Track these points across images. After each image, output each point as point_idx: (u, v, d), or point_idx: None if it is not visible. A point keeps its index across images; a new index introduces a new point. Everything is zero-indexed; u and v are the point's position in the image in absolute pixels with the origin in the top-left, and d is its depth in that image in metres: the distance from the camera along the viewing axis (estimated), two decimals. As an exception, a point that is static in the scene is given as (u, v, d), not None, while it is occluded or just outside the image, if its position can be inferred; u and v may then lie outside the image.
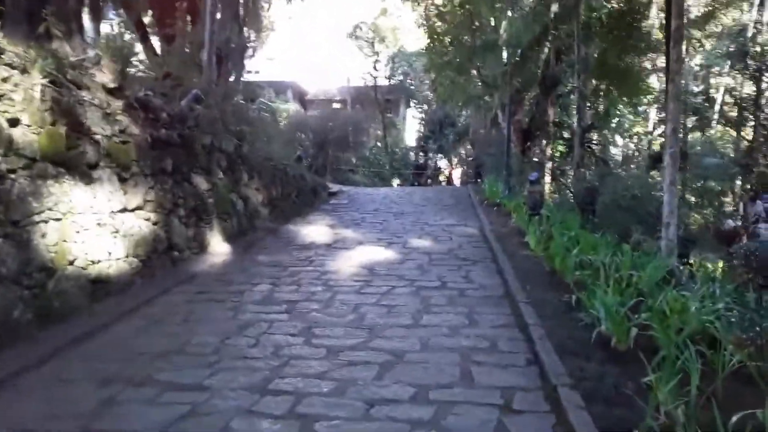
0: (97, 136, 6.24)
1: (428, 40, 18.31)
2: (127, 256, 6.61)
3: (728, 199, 20.33)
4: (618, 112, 22.72)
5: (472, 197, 16.51)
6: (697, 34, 19.35)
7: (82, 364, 4.25)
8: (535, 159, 15.87)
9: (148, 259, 7.09)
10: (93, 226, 5.95)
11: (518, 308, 5.42)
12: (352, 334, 4.93)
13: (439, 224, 11.56)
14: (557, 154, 18.20)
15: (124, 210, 6.76)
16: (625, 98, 16.24)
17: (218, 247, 9.02)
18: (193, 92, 10.00)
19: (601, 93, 16.27)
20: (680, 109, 7.54)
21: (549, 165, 17.67)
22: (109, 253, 6.27)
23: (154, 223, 7.42)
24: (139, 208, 7.10)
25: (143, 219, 7.19)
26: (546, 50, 16.15)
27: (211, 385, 3.88)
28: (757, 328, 3.97)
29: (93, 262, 5.87)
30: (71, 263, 5.50)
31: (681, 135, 24.35)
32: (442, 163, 44.14)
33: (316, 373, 4.07)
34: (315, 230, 10.98)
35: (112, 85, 7.18)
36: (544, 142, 18.08)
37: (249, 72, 38.30)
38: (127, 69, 7.79)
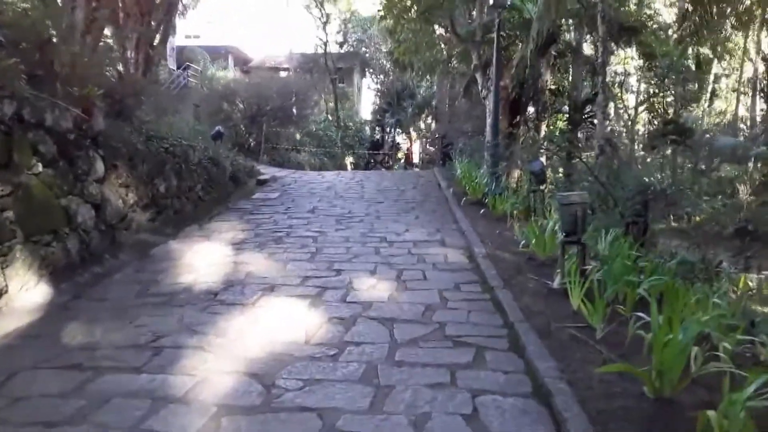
0: None
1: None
2: None
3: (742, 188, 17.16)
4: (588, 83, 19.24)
5: (442, 188, 12.63)
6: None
7: None
8: (551, 140, 11.55)
9: None
10: None
11: None
12: None
13: (404, 241, 7.62)
14: (556, 132, 14.23)
15: None
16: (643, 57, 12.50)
17: (21, 298, 5.12)
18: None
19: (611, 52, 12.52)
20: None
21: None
22: None
23: None
24: None
25: None
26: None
27: None
28: None
29: None
30: None
31: (679, 107, 21.14)
32: (400, 138, 40.35)
33: None
34: (208, 253, 6.91)
35: None
36: (537, 115, 14.03)
37: (188, 37, 32.99)
38: None
